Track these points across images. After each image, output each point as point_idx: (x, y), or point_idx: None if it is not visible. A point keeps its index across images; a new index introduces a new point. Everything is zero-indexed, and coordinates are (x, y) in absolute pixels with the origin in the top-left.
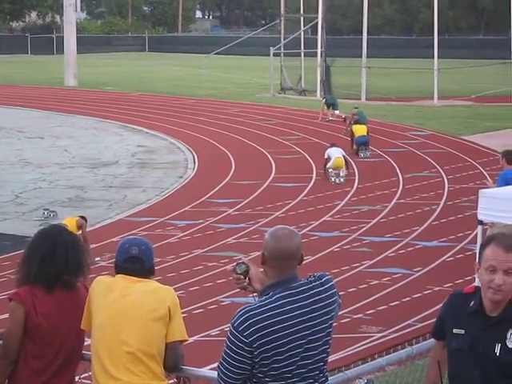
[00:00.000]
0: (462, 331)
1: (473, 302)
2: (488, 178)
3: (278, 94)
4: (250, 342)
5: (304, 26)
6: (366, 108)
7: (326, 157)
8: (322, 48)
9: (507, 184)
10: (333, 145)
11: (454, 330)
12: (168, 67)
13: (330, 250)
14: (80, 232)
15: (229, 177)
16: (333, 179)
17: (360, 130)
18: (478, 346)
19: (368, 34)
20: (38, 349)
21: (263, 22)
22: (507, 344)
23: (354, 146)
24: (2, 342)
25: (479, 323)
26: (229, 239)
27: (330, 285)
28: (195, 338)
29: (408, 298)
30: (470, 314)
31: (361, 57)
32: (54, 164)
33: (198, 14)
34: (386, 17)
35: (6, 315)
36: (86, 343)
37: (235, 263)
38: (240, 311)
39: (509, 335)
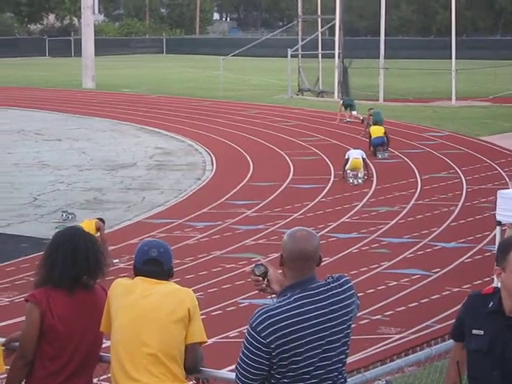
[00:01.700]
0: (481, 332)
1: (492, 303)
2: (507, 179)
3: (296, 96)
4: (268, 343)
5: (321, 28)
6: (383, 109)
7: (346, 157)
8: (339, 49)
9: None
10: (357, 147)
11: (474, 331)
12: (185, 69)
13: (348, 251)
14: (98, 234)
15: (247, 178)
16: (350, 180)
17: (376, 131)
18: (497, 346)
19: (385, 35)
20: (53, 350)
21: (281, 23)
22: None
23: (371, 148)
24: (18, 344)
25: (498, 323)
26: (247, 241)
27: (349, 286)
28: (214, 339)
29: (426, 300)
30: (488, 315)
31: (378, 58)
32: (72, 166)
33: (216, 15)
34: (403, 18)
35: (24, 317)
36: (105, 345)
37: (254, 265)
38: (258, 312)
39: None
